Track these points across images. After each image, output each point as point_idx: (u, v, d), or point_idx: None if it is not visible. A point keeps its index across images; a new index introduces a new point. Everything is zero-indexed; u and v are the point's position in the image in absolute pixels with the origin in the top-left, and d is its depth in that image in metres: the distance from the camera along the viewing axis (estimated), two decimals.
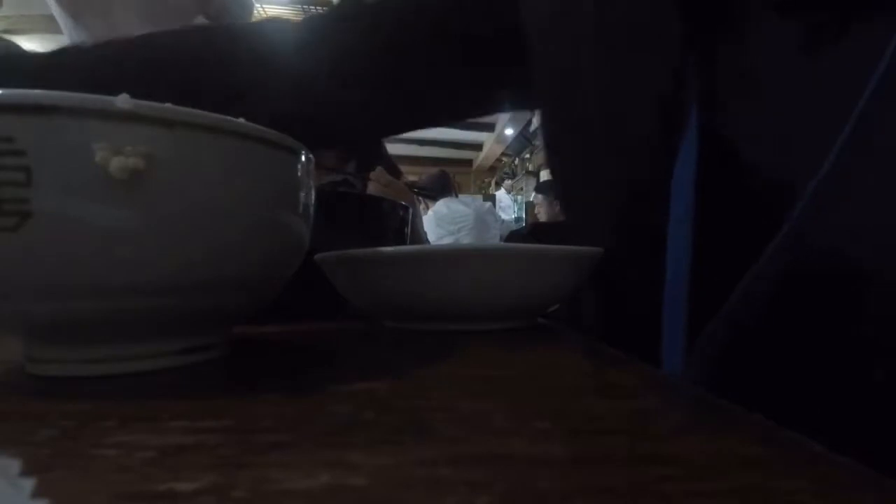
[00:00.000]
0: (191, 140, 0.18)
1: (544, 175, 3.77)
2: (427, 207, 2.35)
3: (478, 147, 6.67)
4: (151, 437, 0.13)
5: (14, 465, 0.09)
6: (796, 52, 0.23)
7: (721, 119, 0.27)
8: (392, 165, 1.12)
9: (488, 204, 2.82)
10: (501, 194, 5.36)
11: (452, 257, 0.29)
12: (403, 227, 0.48)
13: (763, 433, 0.13)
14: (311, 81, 0.46)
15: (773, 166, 0.25)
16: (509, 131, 5.25)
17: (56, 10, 0.91)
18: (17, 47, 0.48)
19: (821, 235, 0.21)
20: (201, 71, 0.45)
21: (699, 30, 0.28)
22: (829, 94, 0.22)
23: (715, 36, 0.28)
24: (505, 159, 6.50)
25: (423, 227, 1.25)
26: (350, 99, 0.47)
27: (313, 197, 0.26)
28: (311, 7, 3.14)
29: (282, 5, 3.14)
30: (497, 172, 7.03)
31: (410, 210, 0.49)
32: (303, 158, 0.23)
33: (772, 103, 0.25)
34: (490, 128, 5.65)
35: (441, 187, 2.40)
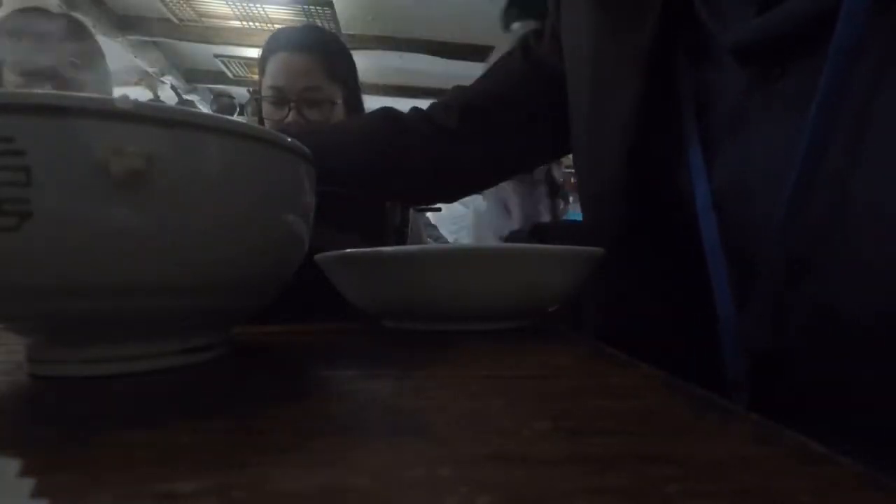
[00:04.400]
0: (191, 140, 0.18)
1: None
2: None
3: None
4: (151, 437, 0.13)
5: (14, 465, 0.09)
6: (746, 88, 0.31)
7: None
8: None
9: (488, 204, 2.81)
10: None
11: (452, 257, 0.29)
12: (403, 227, 0.48)
13: (763, 433, 0.13)
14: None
15: (737, 180, 0.31)
16: None
17: None
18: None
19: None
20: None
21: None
22: (774, 123, 0.30)
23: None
24: None
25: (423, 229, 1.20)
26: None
27: (314, 197, 0.26)
28: (312, 7, 3.14)
29: (281, 6, 3.13)
30: None
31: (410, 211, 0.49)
32: (302, 159, 0.23)
33: (727, 128, 0.32)
34: None
35: None
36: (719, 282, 0.31)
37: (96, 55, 0.94)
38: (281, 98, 0.83)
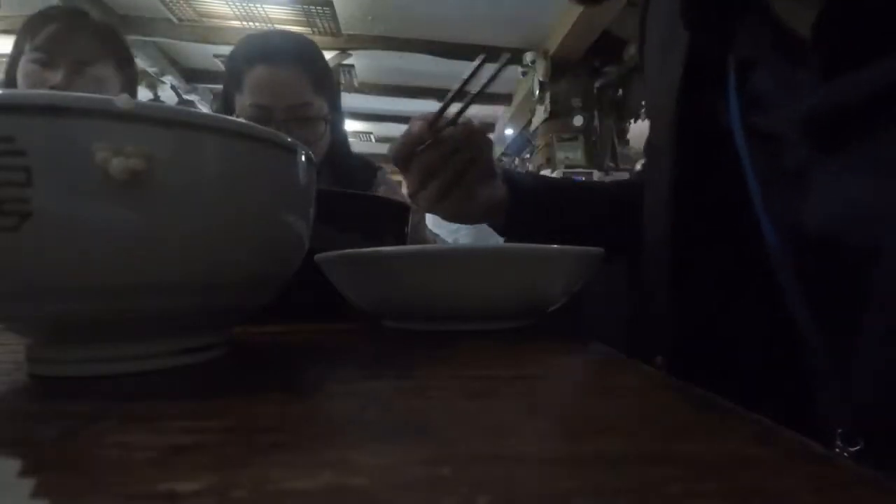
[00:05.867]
0: (191, 140, 0.18)
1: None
2: None
3: None
4: (151, 437, 0.13)
5: (14, 465, 0.09)
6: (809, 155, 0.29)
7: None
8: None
9: None
10: None
11: (452, 257, 0.29)
12: (403, 227, 0.48)
13: (763, 433, 0.13)
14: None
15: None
16: (509, 131, 5.26)
17: None
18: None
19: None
20: None
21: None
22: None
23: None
24: (505, 159, 6.51)
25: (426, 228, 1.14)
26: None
27: (313, 196, 0.26)
28: (312, 7, 3.14)
29: (281, 6, 3.13)
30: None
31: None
32: (302, 158, 0.23)
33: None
34: (490, 128, 5.66)
35: None
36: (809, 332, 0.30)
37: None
38: (266, 117, 0.74)
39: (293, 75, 0.75)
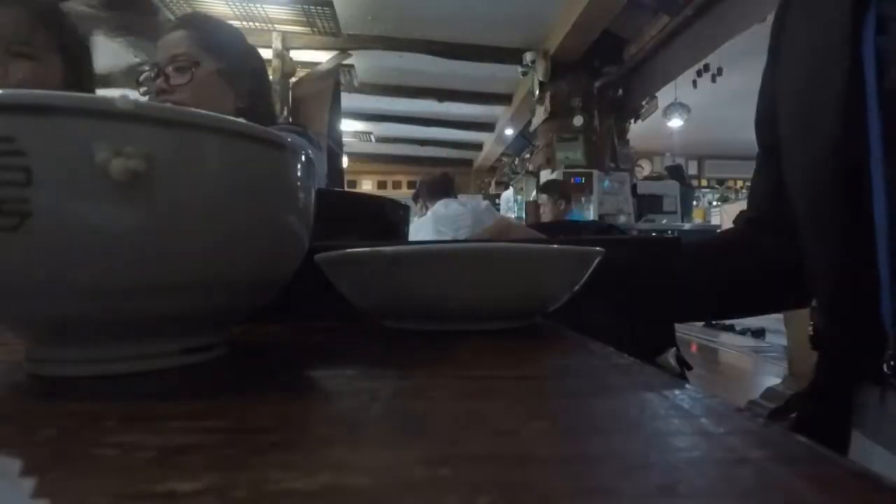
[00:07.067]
0: (191, 140, 0.18)
1: (545, 175, 3.78)
2: (426, 208, 2.35)
3: (478, 147, 6.67)
4: (151, 437, 0.13)
5: (14, 465, 0.09)
6: None
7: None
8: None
9: (486, 203, 2.83)
10: (509, 194, 5.43)
11: (452, 257, 0.29)
12: (403, 227, 0.48)
13: (763, 433, 0.13)
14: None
15: None
16: (509, 131, 5.26)
17: None
18: None
19: None
20: None
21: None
22: None
23: None
24: (505, 159, 6.51)
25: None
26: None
27: (313, 197, 0.25)
28: (312, 7, 3.14)
29: (281, 6, 3.13)
30: (497, 172, 7.02)
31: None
32: (302, 159, 0.23)
33: None
34: (490, 128, 5.67)
35: (441, 188, 2.40)
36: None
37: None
38: (157, 72, 0.87)
39: (176, 36, 0.89)
